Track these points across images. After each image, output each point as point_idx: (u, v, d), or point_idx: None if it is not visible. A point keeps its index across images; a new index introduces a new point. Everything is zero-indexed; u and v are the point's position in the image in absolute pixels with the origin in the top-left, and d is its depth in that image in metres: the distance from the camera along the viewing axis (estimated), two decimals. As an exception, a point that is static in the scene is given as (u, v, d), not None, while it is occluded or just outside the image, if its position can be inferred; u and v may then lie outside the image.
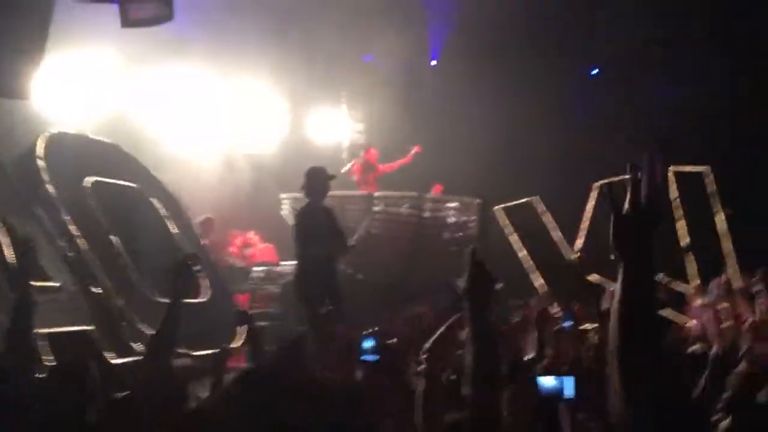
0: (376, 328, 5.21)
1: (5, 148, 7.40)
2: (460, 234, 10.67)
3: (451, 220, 10.77)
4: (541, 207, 11.06)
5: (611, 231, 2.24)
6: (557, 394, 4.36)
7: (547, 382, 4.39)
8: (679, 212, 10.69)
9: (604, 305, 6.08)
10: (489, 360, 3.00)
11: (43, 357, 6.18)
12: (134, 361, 7.14)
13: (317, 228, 7.86)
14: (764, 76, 12.19)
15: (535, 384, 4.36)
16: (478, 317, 3.06)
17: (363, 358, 5.01)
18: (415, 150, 11.37)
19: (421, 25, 12.44)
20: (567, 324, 5.85)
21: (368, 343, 5.46)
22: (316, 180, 7.98)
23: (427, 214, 10.61)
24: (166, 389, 4.97)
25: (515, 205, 11.16)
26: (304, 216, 7.93)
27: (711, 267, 9.76)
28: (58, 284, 7.16)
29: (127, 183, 8.57)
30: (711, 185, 10.76)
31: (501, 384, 3.66)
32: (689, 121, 12.93)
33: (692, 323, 6.19)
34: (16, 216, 7.02)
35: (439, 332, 3.95)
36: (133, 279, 7.93)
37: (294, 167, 11.76)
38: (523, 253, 10.88)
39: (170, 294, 4.11)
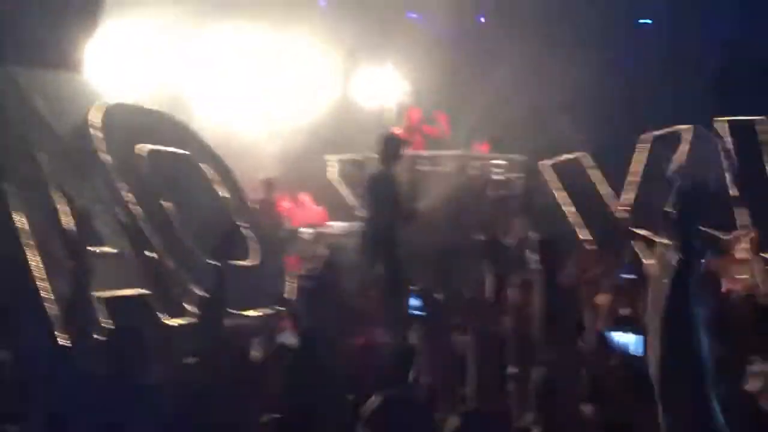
0: (421, 287, 5.35)
1: (60, 119, 7.64)
2: (506, 191, 10.68)
3: (497, 177, 10.78)
4: (588, 162, 11.01)
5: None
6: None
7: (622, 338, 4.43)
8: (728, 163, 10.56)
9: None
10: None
11: (102, 320, 6.47)
12: (189, 322, 7.43)
13: (389, 194, 8.04)
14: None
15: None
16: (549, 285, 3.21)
17: (411, 313, 5.18)
18: (441, 126, 11.35)
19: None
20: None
21: (415, 301, 5.62)
22: (391, 146, 8.17)
23: (471, 172, 10.63)
24: (225, 350, 5.23)
25: (562, 160, 11.13)
26: (376, 181, 8.11)
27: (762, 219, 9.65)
28: (115, 250, 7.43)
29: (178, 150, 8.77)
30: (764, 136, 10.58)
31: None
32: (740, 69, 12.65)
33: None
34: (73, 185, 7.30)
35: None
36: (186, 243, 8.16)
37: (340, 129, 11.91)
38: (570, 209, 10.88)
39: (217, 257, 4.31)
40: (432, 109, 11.77)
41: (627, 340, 4.46)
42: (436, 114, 11.43)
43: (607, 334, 4.49)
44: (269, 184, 10.04)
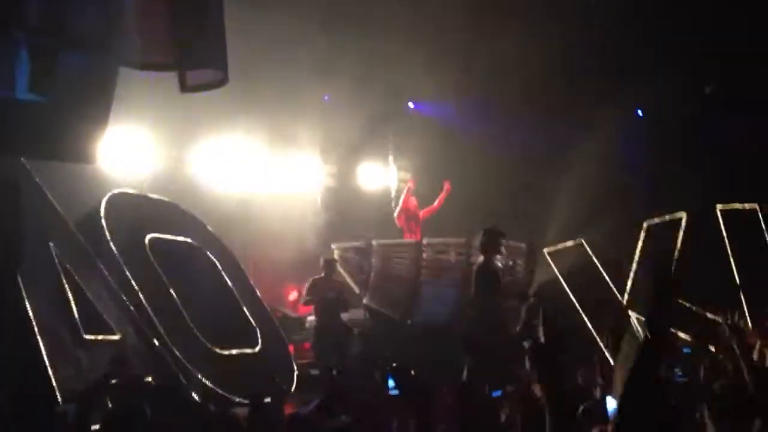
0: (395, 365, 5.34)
1: (72, 208, 7.81)
2: (509, 278, 10.77)
3: (498, 264, 10.88)
4: (587, 249, 11.16)
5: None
6: None
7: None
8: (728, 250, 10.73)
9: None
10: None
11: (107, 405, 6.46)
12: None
13: (495, 281, 8.84)
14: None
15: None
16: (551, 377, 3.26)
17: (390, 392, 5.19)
18: (445, 188, 11.57)
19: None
20: None
21: (391, 381, 5.62)
22: (492, 238, 8.82)
23: (474, 259, 10.73)
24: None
25: (563, 247, 11.28)
26: (484, 270, 8.77)
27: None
28: (117, 337, 7.47)
29: (184, 239, 8.91)
30: (761, 222, 10.78)
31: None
32: (739, 162, 12.92)
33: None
34: (82, 272, 7.40)
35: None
36: (192, 331, 8.21)
37: (342, 217, 12.08)
38: (572, 295, 10.97)
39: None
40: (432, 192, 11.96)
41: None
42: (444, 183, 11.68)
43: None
44: (330, 264, 10.09)
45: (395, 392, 4.91)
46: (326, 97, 12.08)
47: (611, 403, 4.42)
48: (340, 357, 9.21)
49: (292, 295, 11.64)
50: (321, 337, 9.65)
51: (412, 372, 4.75)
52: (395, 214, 11.64)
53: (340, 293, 9.97)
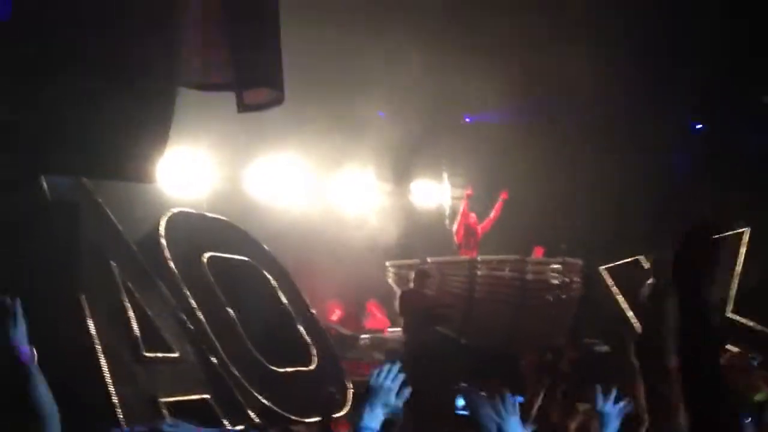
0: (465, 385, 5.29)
1: (132, 227, 7.94)
2: (564, 296, 10.63)
3: (554, 281, 10.75)
4: (646, 265, 10.93)
5: None
6: None
7: None
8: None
9: None
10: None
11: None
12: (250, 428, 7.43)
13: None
14: None
15: None
16: None
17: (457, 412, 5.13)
18: (502, 197, 11.47)
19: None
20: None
21: (460, 401, 5.56)
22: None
23: (530, 277, 10.63)
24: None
25: (620, 264, 11.09)
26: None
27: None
28: (176, 354, 7.54)
29: (241, 257, 8.99)
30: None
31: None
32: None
33: None
34: (142, 292, 7.51)
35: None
36: (249, 349, 8.25)
37: (398, 235, 12.06)
38: (630, 313, 10.76)
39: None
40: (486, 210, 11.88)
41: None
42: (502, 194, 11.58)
43: None
44: (425, 274, 10.06)
45: (463, 413, 4.86)
46: (381, 114, 12.12)
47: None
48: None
49: (335, 315, 11.66)
50: (410, 352, 9.45)
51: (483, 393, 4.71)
52: (454, 229, 11.58)
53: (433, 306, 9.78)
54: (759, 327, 10.10)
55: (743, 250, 10.64)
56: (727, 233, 10.78)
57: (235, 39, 5.91)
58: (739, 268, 10.52)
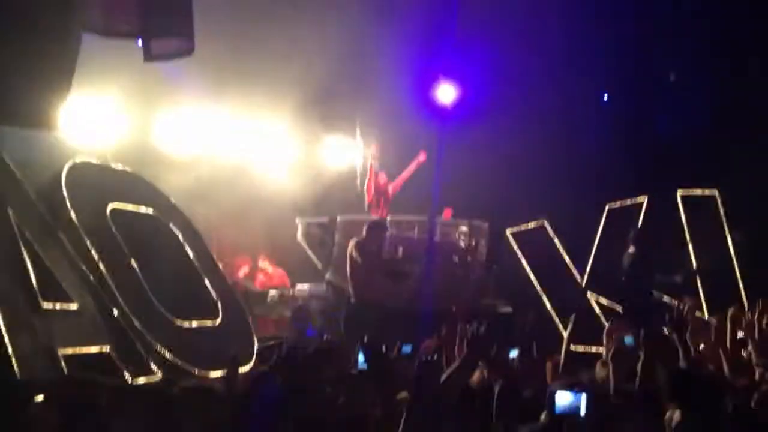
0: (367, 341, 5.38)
1: (32, 177, 7.69)
2: (470, 258, 10.86)
3: (461, 243, 10.96)
4: (550, 230, 11.27)
5: None
6: (573, 411, 4.45)
7: (564, 398, 4.48)
8: (687, 236, 10.90)
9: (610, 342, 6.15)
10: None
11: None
12: (152, 381, 7.39)
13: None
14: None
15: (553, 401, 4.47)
16: None
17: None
18: (419, 158, 11.56)
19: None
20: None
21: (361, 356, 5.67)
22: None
23: (437, 238, 10.79)
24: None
25: (525, 229, 11.38)
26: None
27: (721, 291, 9.93)
28: (76, 306, 7.40)
29: (146, 209, 8.83)
30: (720, 208, 10.96)
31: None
32: (698, 144, 13.12)
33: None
34: (41, 241, 7.31)
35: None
36: (152, 302, 8.16)
37: (308, 191, 12.05)
38: (533, 276, 11.09)
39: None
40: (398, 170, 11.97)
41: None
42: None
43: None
44: (380, 226, 9.92)
45: (363, 366, 4.94)
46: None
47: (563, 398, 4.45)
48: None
49: (243, 270, 11.63)
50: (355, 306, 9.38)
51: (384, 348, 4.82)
52: (364, 188, 11.62)
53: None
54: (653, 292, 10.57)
55: (641, 218, 11.05)
56: (627, 202, 11.19)
57: (143, -15, 5.75)
58: (634, 235, 10.91)
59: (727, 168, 12.15)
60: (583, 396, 4.41)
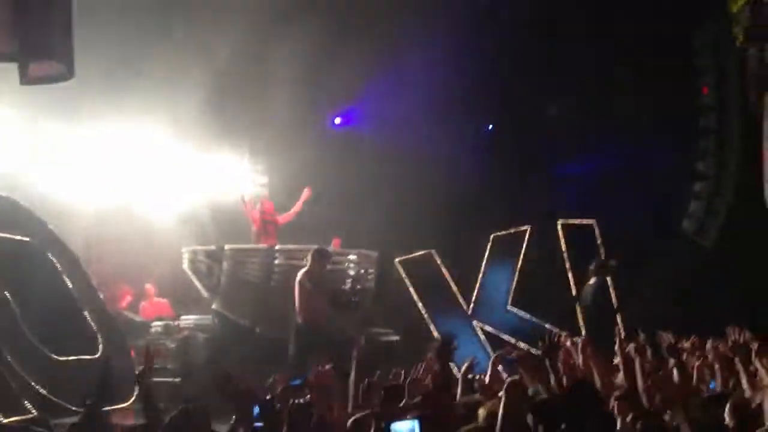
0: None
1: None
2: (359, 286, 10.88)
3: (351, 272, 10.98)
4: (437, 259, 11.45)
5: None
6: None
7: (401, 427, 4.57)
8: (567, 264, 11.30)
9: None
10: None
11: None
12: (24, 419, 7.03)
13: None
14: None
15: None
16: None
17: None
18: (305, 194, 11.57)
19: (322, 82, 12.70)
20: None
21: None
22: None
23: (327, 267, 10.76)
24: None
25: (413, 257, 11.52)
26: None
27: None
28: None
29: (21, 237, 8.45)
30: (597, 237, 11.43)
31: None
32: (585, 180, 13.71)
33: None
34: None
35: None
36: (27, 336, 7.79)
37: (195, 220, 11.83)
38: (420, 304, 11.22)
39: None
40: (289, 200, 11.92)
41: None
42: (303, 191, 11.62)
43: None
44: (325, 254, 9.70)
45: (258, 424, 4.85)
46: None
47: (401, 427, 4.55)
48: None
49: (126, 300, 11.29)
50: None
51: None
52: (251, 217, 11.48)
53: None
54: (535, 320, 10.87)
55: (524, 247, 11.38)
56: (511, 231, 11.51)
57: (21, 7, 5.54)
58: (519, 264, 11.25)
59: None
60: (416, 423, 4.53)
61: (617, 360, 5.78)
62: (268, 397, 5.02)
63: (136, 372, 8.54)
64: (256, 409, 4.80)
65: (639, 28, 12.91)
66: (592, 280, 10.37)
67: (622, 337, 6.13)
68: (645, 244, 12.57)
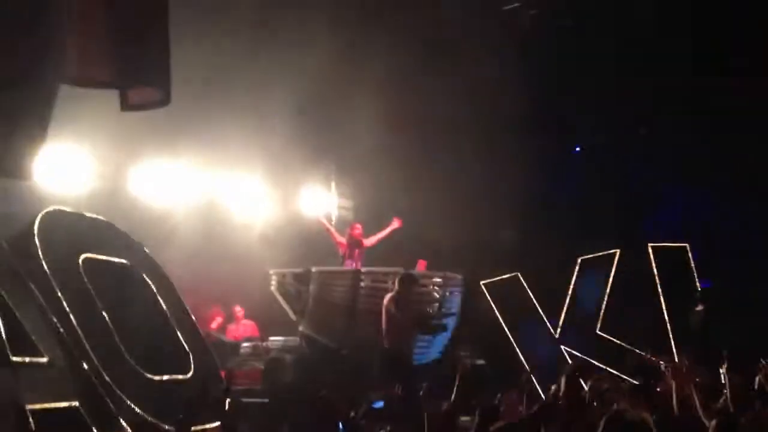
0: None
1: (5, 225, 7.59)
2: (444, 310, 10.84)
3: (436, 295, 10.95)
4: (523, 282, 11.32)
5: None
6: None
7: None
8: (658, 288, 11.01)
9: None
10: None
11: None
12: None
13: None
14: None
15: None
16: None
17: None
18: (394, 224, 11.59)
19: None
20: None
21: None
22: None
23: (414, 291, 10.74)
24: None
25: (499, 280, 11.43)
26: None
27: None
28: (45, 359, 7.24)
29: (119, 260, 8.73)
30: (690, 261, 11.11)
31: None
32: (668, 200, 13.31)
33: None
34: (12, 290, 7.18)
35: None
36: (123, 355, 8.01)
37: (283, 243, 12.01)
38: (507, 328, 11.11)
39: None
40: (373, 223, 11.99)
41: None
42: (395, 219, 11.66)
43: None
44: (413, 280, 9.81)
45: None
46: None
47: None
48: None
49: (216, 322, 11.50)
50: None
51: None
52: (338, 239, 11.58)
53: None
54: (624, 344, 10.61)
55: (613, 270, 11.15)
56: (598, 254, 11.30)
57: (121, 36, 5.74)
58: (608, 288, 11.03)
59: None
60: None
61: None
62: (352, 415, 5.06)
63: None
64: (341, 426, 4.84)
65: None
66: (700, 306, 10.13)
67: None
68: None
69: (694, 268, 11.11)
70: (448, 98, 11.85)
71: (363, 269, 10.93)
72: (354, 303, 10.54)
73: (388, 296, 9.57)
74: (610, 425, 3.93)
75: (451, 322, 10.72)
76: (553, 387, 6.17)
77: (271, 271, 10.79)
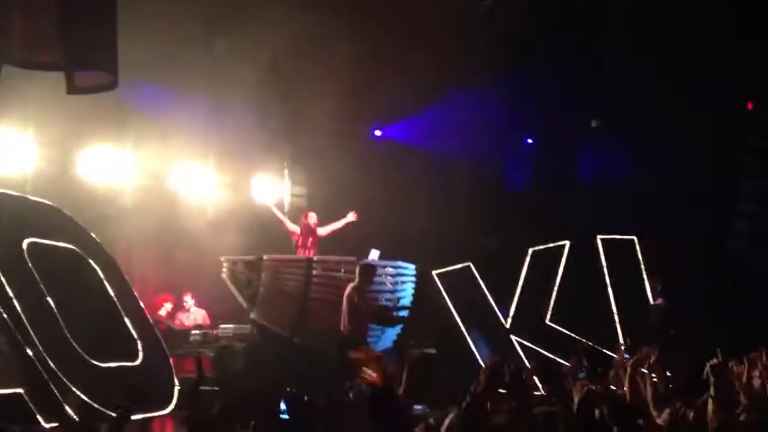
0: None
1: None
2: (401, 302, 10.86)
3: (389, 285, 10.96)
4: (475, 272, 11.42)
5: None
6: None
7: None
8: (606, 280, 11.20)
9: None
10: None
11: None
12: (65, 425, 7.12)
13: None
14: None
15: None
16: None
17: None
18: (349, 217, 11.55)
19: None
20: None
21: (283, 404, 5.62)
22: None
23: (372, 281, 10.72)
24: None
25: (451, 270, 11.50)
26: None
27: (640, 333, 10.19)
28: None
29: (65, 244, 8.58)
30: (637, 254, 11.32)
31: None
32: (618, 191, 13.52)
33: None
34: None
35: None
36: (69, 341, 7.90)
37: (235, 230, 11.91)
38: (458, 317, 11.21)
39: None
40: (326, 212, 11.95)
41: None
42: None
43: None
44: (371, 269, 9.86)
45: (284, 417, 4.88)
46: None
47: None
48: None
49: (165, 308, 11.38)
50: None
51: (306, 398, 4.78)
52: (291, 227, 11.50)
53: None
54: (572, 334, 10.79)
55: (563, 262, 11.32)
56: (548, 246, 11.45)
57: (68, 18, 5.65)
58: (557, 279, 11.19)
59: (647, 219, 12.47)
60: None
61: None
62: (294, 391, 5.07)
63: (177, 379, 8.71)
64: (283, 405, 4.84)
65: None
66: (659, 301, 10.36)
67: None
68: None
69: (641, 260, 11.31)
70: (403, 88, 11.87)
71: (315, 258, 10.89)
72: (306, 291, 10.49)
73: (350, 286, 9.66)
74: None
75: (406, 313, 10.76)
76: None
77: (222, 259, 10.70)
